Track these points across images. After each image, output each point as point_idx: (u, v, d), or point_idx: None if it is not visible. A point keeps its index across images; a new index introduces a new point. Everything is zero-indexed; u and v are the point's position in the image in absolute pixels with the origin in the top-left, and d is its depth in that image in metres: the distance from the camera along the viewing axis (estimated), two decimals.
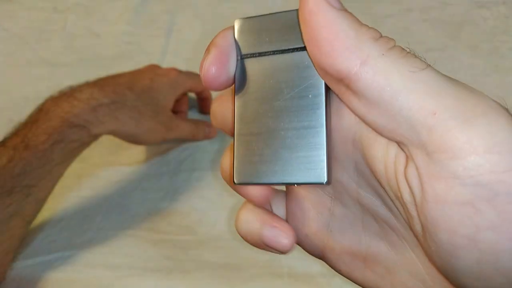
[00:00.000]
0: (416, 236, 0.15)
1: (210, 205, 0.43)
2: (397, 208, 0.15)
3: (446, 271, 0.14)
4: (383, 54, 0.13)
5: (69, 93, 0.38)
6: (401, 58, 0.14)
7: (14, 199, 0.34)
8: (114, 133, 0.40)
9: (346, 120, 0.16)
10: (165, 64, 0.59)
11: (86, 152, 0.40)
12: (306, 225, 0.19)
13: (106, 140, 0.42)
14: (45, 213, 0.42)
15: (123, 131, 0.40)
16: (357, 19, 0.15)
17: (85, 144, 0.39)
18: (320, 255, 0.20)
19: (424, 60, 0.14)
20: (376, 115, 0.14)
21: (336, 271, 0.19)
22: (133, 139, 0.42)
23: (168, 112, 0.44)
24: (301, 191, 0.19)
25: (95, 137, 0.39)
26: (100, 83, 0.40)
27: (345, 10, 0.15)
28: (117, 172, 0.46)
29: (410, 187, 0.14)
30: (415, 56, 0.14)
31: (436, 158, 0.12)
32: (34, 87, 0.56)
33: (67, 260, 0.39)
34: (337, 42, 0.14)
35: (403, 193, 0.14)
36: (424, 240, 0.14)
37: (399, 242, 0.16)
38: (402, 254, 0.16)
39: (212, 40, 0.17)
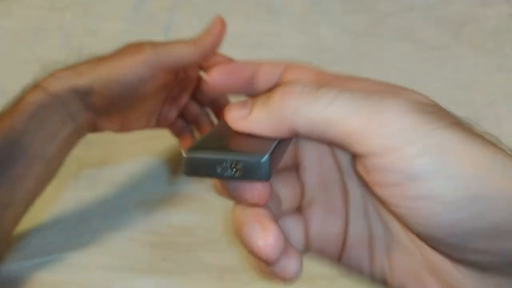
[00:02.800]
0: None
1: (209, 207, 0.43)
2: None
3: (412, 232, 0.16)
4: (296, 112, 0.16)
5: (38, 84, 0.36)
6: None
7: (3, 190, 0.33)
8: (79, 92, 0.36)
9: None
10: None
11: (83, 153, 0.39)
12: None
13: (103, 142, 0.42)
14: (42, 215, 0.42)
15: (87, 88, 0.36)
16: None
17: (47, 107, 0.35)
18: (337, 258, 0.21)
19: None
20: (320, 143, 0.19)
21: (349, 267, 0.21)
22: (115, 122, 0.38)
23: (152, 98, 0.38)
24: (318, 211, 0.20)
25: (56, 96, 0.35)
26: (78, 70, 0.37)
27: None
28: (114, 174, 0.46)
29: (360, 174, 0.17)
30: (327, 90, 0.16)
31: (364, 161, 0.16)
32: None
33: (64, 262, 0.39)
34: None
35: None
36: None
37: (388, 216, 0.19)
38: (393, 228, 0.19)
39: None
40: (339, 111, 0.15)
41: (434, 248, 0.16)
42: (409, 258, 0.18)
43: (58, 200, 0.43)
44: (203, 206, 0.43)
